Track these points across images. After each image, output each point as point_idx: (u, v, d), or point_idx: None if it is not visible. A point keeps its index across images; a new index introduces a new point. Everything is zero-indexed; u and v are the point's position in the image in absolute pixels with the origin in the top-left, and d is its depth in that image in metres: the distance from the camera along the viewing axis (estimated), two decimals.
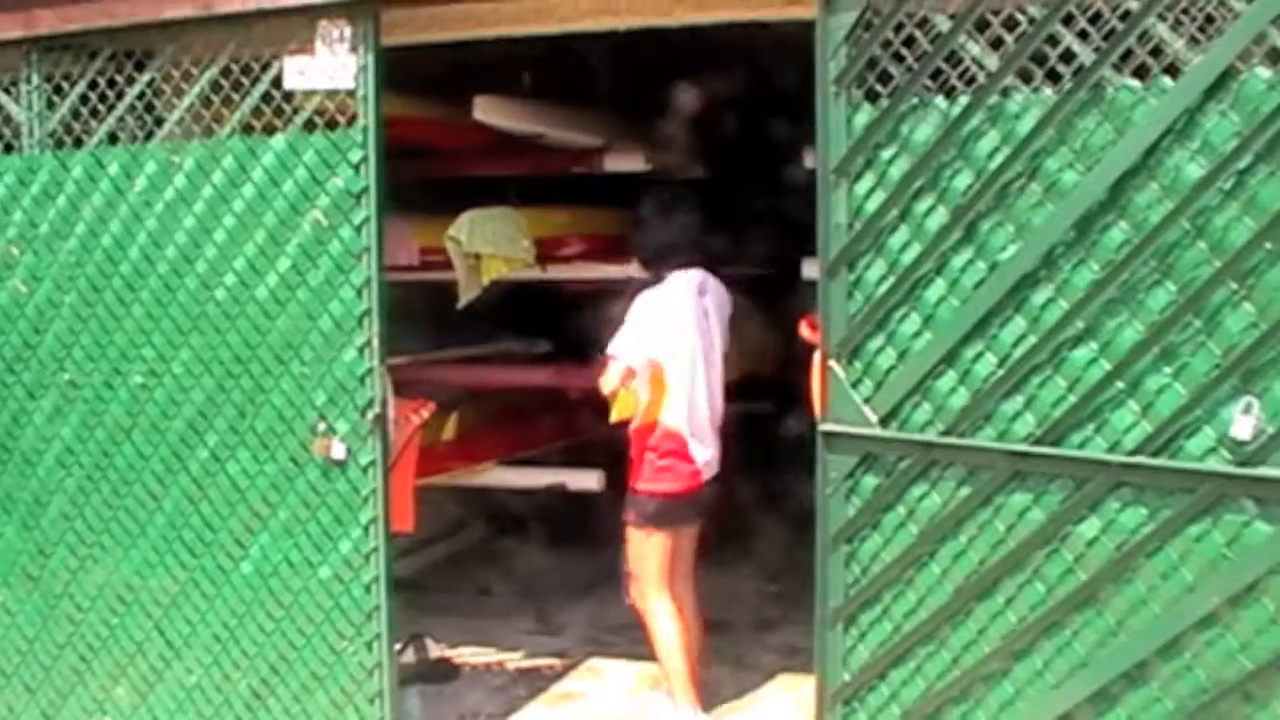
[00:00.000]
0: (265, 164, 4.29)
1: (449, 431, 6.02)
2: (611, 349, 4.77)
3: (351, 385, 4.25)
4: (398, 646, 5.47)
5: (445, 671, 5.62)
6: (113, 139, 4.54)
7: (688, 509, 4.89)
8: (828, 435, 3.71)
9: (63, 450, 4.69)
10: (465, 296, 5.40)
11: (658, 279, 4.99)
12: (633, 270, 6.26)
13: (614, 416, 4.86)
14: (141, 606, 4.64)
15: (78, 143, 4.58)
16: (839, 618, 3.75)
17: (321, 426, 4.29)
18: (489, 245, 5.27)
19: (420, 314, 5.69)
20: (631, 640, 5.51)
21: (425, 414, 4.98)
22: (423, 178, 5.75)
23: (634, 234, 5.13)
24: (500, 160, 6.16)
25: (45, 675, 4.85)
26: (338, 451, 4.27)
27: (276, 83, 4.25)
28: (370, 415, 4.23)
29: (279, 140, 4.27)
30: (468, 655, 5.88)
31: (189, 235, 4.41)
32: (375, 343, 4.22)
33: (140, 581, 4.62)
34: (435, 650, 5.67)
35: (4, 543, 4.85)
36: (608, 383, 4.76)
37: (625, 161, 6.10)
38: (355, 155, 4.16)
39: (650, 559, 4.83)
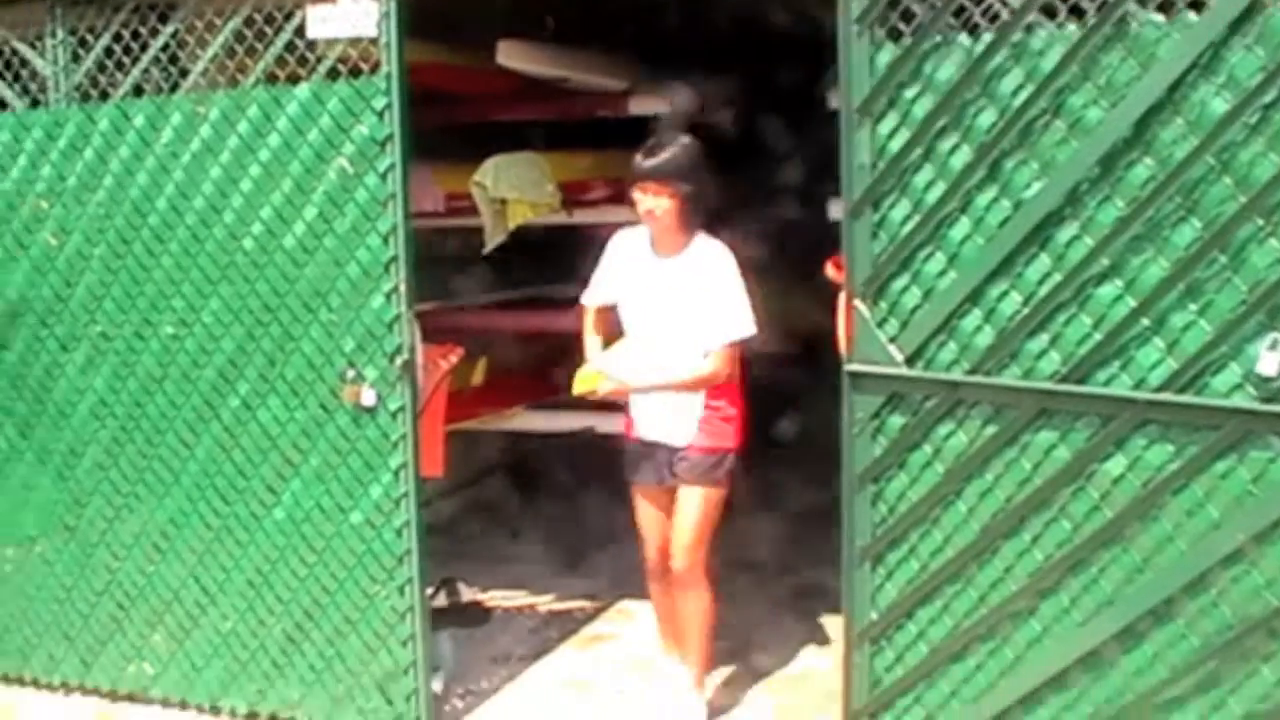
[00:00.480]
0: (290, 113, 4.30)
1: (478, 376, 6.05)
2: (737, 332, 4.34)
3: (380, 332, 4.27)
4: (429, 590, 5.56)
5: (477, 615, 5.67)
6: (138, 91, 4.55)
7: None
8: (854, 375, 3.71)
9: (96, 401, 4.74)
10: (491, 242, 5.40)
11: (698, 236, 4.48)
12: None
13: (578, 390, 4.53)
14: (176, 554, 4.70)
15: (103, 96, 4.60)
16: (866, 557, 3.77)
17: (351, 373, 4.32)
18: (514, 190, 5.28)
19: (447, 259, 5.71)
20: None
21: (453, 359, 4.97)
22: (448, 124, 5.74)
23: (695, 187, 4.36)
24: (525, 105, 6.14)
25: (84, 623, 4.92)
26: (367, 398, 4.31)
27: (299, 31, 4.25)
28: (398, 361, 4.26)
29: (303, 89, 4.27)
30: (499, 598, 5.93)
31: (215, 186, 4.43)
32: (402, 289, 4.24)
33: (175, 529, 4.68)
34: (467, 594, 5.72)
35: (41, 493, 4.91)
36: (722, 373, 4.38)
37: (650, 104, 6.08)
38: (379, 103, 4.17)
39: (716, 522, 4.56)
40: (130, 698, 4.88)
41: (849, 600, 3.83)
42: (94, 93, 4.62)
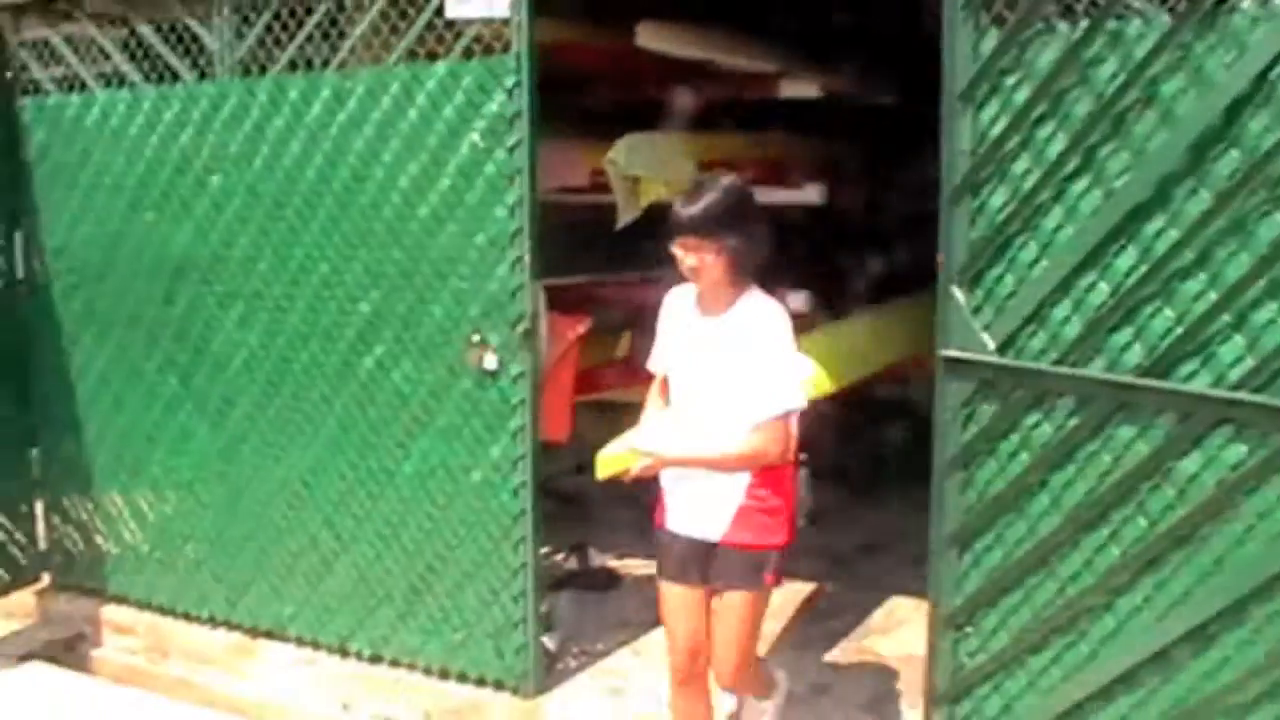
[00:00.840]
0: (428, 89, 4.51)
1: (621, 350, 6.17)
2: (784, 404, 3.66)
3: (504, 300, 4.46)
4: (561, 555, 5.75)
5: (605, 580, 5.82)
6: (293, 66, 4.82)
7: None
8: (947, 361, 3.72)
9: (249, 355, 5.06)
10: (624, 218, 5.50)
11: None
12: (810, 195, 6.30)
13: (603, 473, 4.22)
14: (315, 502, 5.00)
15: (263, 70, 4.89)
16: (954, 543, 3.77)
17: (476, 338, 4.52)
18: (646, 168, 5.35)
19: (593, 234, 5.84)
20: (790, 565, 5.63)
21: (581, 330, 5.12)
22: (599, 102, 5.86)
23: (742, 237, 3.68)
24: (671, 86, 6.21)
25: (231, 564, 5.28)
26: (490, 362, 4.50)
27: (439, 12, 4.45)
28: (520, 329, 4.44)
29: (440, 67, 4.47)
30: (633, 566, 6.07)
31: (359, 157, 4.68)
32: (526, 259, 4.41)
33: (314, 479, 4.98)
34: (597, 559, 5.88)
35: (198, 440, 5.28)
36: (771, 451, 3.68)
37: (802, 88, 6.10)
38: (509, 80, 4.34)
39: (761, 625, 3.97)
40: (269, 634, 5.22)
41: (934, 585, 3.84)
42: (254, 68, 4.91)
